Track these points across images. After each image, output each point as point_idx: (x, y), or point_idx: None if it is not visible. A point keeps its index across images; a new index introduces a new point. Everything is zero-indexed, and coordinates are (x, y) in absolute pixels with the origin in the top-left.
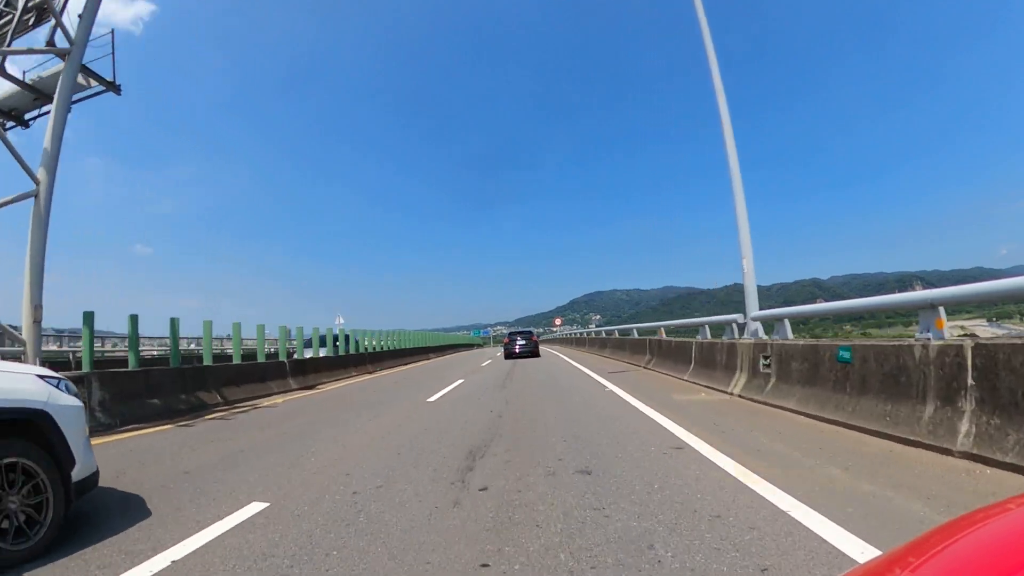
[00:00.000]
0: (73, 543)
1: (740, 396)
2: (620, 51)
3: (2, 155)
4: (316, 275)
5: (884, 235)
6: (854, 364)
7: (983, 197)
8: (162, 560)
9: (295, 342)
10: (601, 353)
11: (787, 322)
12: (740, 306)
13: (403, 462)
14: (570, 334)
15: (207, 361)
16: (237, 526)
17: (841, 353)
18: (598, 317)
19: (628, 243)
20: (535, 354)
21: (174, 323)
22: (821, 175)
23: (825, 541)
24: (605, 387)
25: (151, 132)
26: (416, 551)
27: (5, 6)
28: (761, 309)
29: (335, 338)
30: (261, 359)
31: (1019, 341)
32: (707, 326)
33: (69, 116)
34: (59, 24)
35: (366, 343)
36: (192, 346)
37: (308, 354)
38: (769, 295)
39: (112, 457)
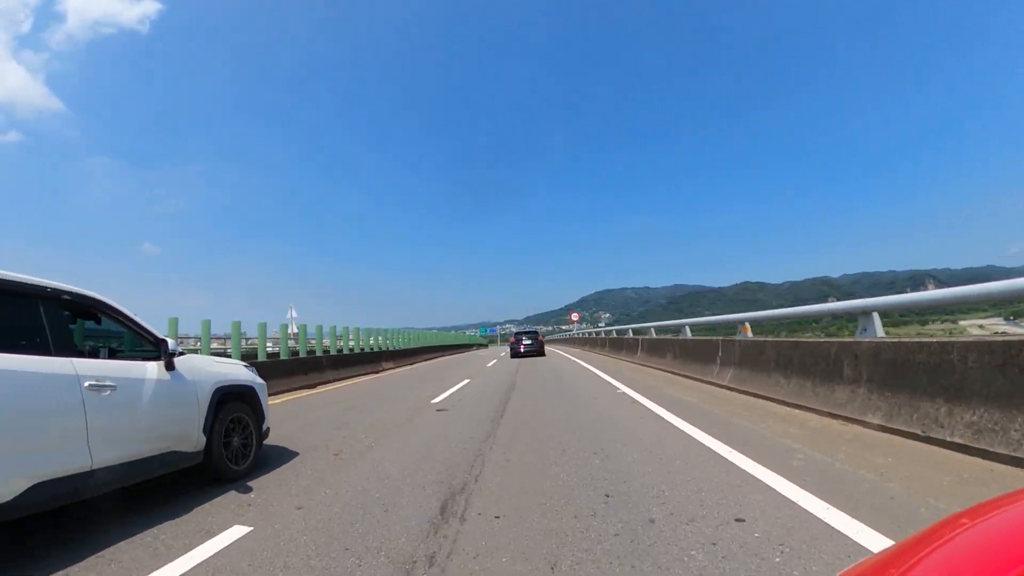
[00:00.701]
0: (263, 464)
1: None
2: (628, 48)
3: None
4: (325, 272)
5: (896, 232)
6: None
7: (996, 194)
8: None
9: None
10: (631, 358)
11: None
12: (751, 304)
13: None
14: (580, 333)
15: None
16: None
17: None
18: (607, 315)
19: (637, 241)
20: (540, 353)
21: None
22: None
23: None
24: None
25: (158, 130)
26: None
27: None
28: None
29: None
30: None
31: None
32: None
33: (74, 115)
34: None
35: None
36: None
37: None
38: (780, 293)
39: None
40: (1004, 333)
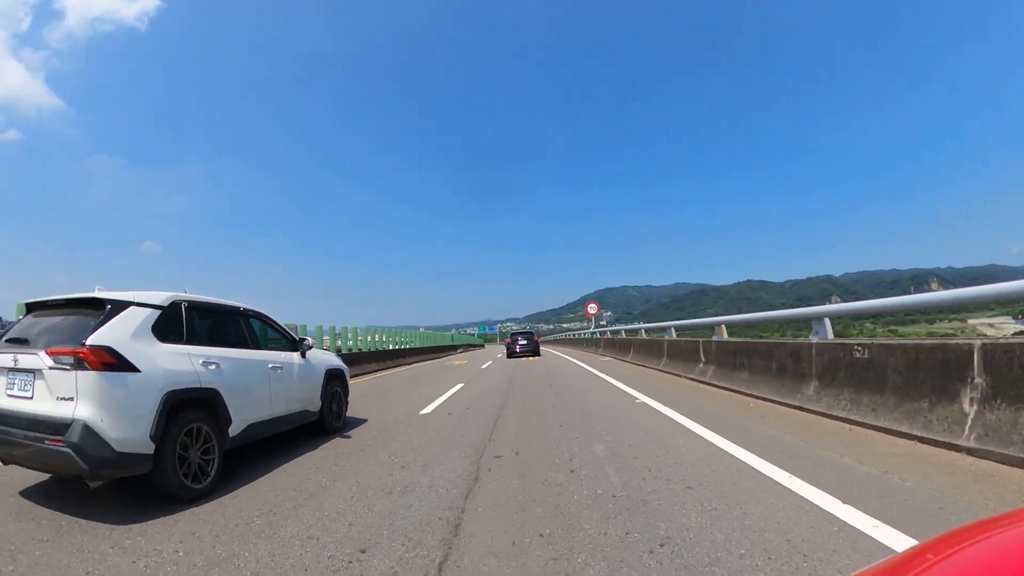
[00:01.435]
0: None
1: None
2: (630, 46)
3: None
4: (328, 270)
5: (899, 231)
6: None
7: (998, 194)
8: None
9: None
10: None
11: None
12: (752, 303)
13: None
14: (596, 333)
15: None
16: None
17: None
18: (609, 314)
19: (639, 240)
20: (536, 353)
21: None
22: (829, 171)
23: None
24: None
25: (158, 128)
26: None
27: None
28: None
29: None
30: None
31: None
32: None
33: (74, 113)
34: None
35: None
36: None
37: None
38: (782, 292)
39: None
40: (984, 335)
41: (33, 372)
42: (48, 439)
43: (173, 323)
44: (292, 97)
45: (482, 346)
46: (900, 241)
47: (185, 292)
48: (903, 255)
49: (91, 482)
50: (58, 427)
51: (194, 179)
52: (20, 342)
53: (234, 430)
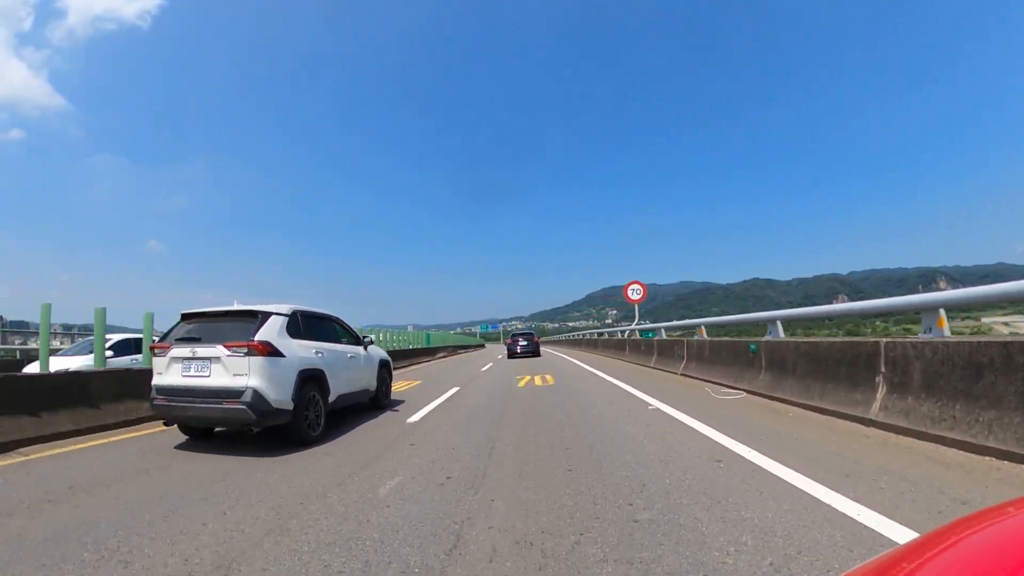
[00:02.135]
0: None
1: (683, 375)
2: (630, 46)
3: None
4: (328, 269)
5: (905, 229)
6: (758, 352)
7: (1003, 193)
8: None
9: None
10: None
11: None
12: (758, 301)
13: None
14: (632, 333)
15: None
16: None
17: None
18: (615, 312)
19: (639, 239)
20: (536, 353)
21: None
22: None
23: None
24: None
25: (160, 127)
26: None
27: None
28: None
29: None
30: None
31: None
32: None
33: (77, 112)
34: None
35: None
36: None
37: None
38: (789, 290)
39: None
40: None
41: (210, 359)
42: (227, 401)
43: (295, 325)
44: (292, 97)
45: (481, 346)
46: (906, 239)
47: (299, 306)
48: (910, 253)
49: (254, 428)
50: (235, 393)
51: (195, 178)
52: (192, 340)
53: (331, 398)
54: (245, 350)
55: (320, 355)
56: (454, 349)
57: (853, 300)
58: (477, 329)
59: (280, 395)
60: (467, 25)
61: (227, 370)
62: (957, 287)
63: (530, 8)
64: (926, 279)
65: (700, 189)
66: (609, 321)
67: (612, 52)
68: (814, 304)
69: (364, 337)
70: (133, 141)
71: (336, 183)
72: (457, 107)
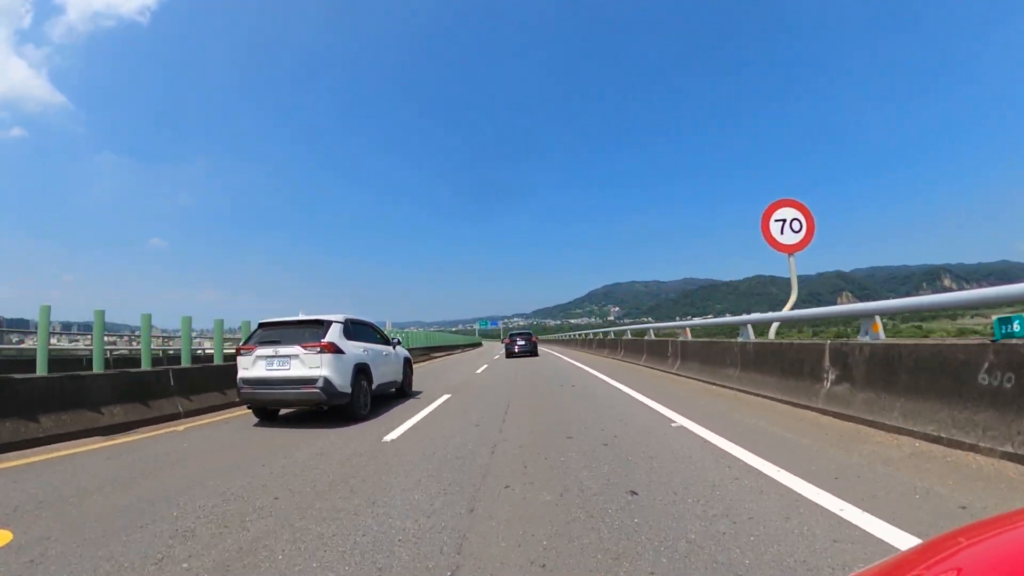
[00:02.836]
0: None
1: (676, 373)
2: (630, 46)
3: None
4: (328, 268)
5: (908, 227)
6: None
7: (1005, 191)
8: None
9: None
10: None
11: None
12: (763, 298)
13: None
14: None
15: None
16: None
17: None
18: (617, 309)
19: (639, 239)
20: (534, 353)
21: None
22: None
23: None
24: None
25: (162, 125)
26: None
27: None
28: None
29: None
30: None
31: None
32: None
33: (78, 110)
34: None
35: None
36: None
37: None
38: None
39: None
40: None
41: (290, 356)
42: (304, 387)
43: (348, 329)
44: (292, 96)
45: (478, 344)
46: (909, 238)
47: (350, 315)
48: (914, 251)
49: (324, 407)
50: (310, 381)
51: (196, 177)
52: (273, 343)
53: (374, 386)
54: (318, 349)
55: (366, 352)
56: (450, 349)
57: (853, 300)
58: (476, 327)
59: (343, 382)
60: (467, 25)
61: (304, 364)
62: (962, 284)
63: (530, 8)
64: (931, 276)
65: (700, 189)
66: (611, 318)
67: (612, 52)
68: (819, 301)
69: (393, 338)
70: (134, 139)
71: (336, 183)
72: (457, 107)
